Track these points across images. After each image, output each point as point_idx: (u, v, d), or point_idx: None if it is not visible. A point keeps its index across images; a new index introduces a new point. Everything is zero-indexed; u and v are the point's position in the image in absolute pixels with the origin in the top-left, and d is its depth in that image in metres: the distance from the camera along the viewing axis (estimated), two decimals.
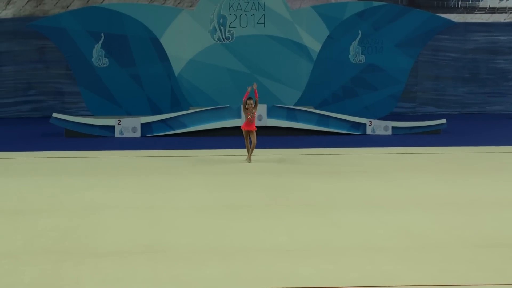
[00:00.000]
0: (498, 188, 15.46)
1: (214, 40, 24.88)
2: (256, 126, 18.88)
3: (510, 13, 29.73)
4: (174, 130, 23.30)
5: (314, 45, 25.11)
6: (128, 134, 23.21)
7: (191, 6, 28.05)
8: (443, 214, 13.22)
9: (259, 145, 19.58)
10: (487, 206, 13.81)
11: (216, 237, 11.72)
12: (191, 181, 16.25)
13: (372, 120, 23.80)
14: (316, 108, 24.47)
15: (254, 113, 18.63)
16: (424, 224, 12.50)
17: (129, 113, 24.61)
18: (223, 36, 24.89)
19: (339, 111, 24.25)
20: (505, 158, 19.48)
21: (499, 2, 29.83)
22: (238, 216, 13.12)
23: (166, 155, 19.86)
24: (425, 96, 29.32)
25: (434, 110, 29.23)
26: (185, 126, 23.36)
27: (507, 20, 29.76)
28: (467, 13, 29.79)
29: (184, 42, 24.76)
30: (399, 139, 22.72)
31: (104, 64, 24.64)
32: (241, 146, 19.39)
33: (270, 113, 23.36)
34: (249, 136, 18.65)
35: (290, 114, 23.55)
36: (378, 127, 23.70)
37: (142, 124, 23.28)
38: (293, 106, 24.36)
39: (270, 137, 22.52)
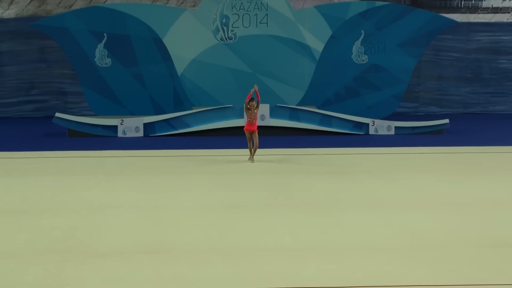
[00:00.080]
0: (501, 188, 15.45)
1: (217, 40, 24.87)
2: (258, 127, 18.90)
3: None
4: (177, 130, 23.30)
5: (317, 45, 25.10)
6: (131, 134, 23.21)
7: (194, 6, 28.05)
8: (446, 214, 13.21)
9: (262, 145, 19.59)
10: (490, 206, 13.80)
11: (219, 237, 11.72)
12: (194, 181, 16.25)
13: (375, 120, 23.78)
14: (319, 108, 24.46)
15: (256, 114, 18.66)
16: (427, 224, 12.49)
17: (132, 113, 24.61)
18: (226, 36, 24.89)
19: (341, 111, 24.24)
20: (508, 158, 19.47)
21: (502, 2, 29.81)
22: (241, 216, 13.12)
23: (169, 155, 19.86)
24: (428, 96, 29.30)
25: (437, 110, 29.21)
26: (188, 126, 23.35)
27: (510, 20, 29.74)
28: (470, 13, 29.77)
29: (187, 42, 24.76)
30: (402, 139, 22.71)
31: (107, 64, 24.64)
32: (244, 146, 19.39)
33: (273, 113, 23.36)
34: (251, 137, 18.67)
35: (293, 114, 23.55)
36: (381, 127, 23.69)
37: (145, 124, 23.27)
38: (296, 106, 24.35)
39: (273, 137, 22.52)
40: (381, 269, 10.04)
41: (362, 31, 25.08)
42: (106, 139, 22.64)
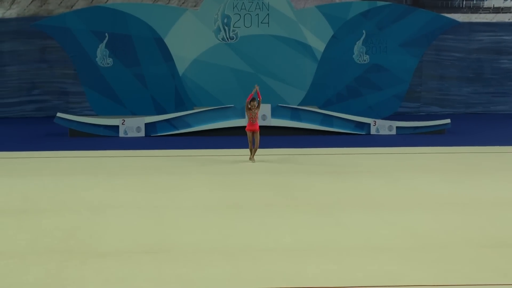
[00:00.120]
0: (503, 188, 15.44)
1: (218, 40, 24.88)
2: (260, 126, 18.91)
3: None
4: (178, 129, 23.31)
5: (319, 45, 25.11)
6: (132, 133, 23.22)
7: (195, 6, 28.06)
8: (447, 214, 13.20)
9: (264, 145, 19.59)
10: (491, 206, 13.79)
11: (219, 236, 11.72)
12: (195, 181, 16.25)
13: (377, 120, 23.79)
14: (320, 108, 24.47)
15: (256, 114, 18.67)
16: (428, 224, 12.48)
17: (133, 113, 24.63)
18: (227, 36, 24.90)
19: (343, 111, 24.25)
20: (510, 158, 19.46)
21: (503, 2, 29.80)
22: (242, 216, 13.12)
23: (170, 155, 19.86)
24: (430, 96, 29.30)
25: (438, 110, 29.21)
26: (189, 125, 23.37)
27: (511, 20, 29.73)
28: (472, 13, 29.77)
29: (188, 42, 24.78)
30: (403, 139, 22.71)
31: (108, 64, 24.66)
32: (245, 145, 19.39)
33: (274, 113, 23.36)
34: (253, 137, 18.66)
35: (294, 114, 23.55)
36: (382, 127, 23.69)
37: (146, 124, 23.29)
38: (297, 106, 24.36)
39: (274, 137, 22.52)
40: (381, 269, 10.03)
41: (364, 31, 25.08)
42: (107, 139, 22.65)
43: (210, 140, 22.20)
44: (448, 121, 24.07)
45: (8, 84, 28.21)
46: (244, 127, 19.09)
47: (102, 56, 24.63)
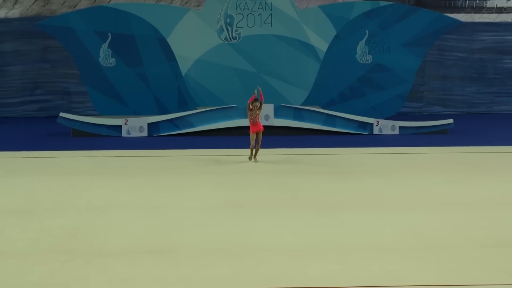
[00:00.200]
0: (506, 188, 15.43)
1: (221, 39, 24.87)
2: (264, 126, 18.90)
3: None
4: (181, 129, 23.31)
5: (321, 45, 25.09)
6: (135, 133, 23.23)
7: (198, 6, 28.06)
8: (451, 214, 13.19)
9: (266, 145, 19.58)
10: (495, 206, 13.78)
11: (223, 236, 11.72)
12: (198, 181, 16.26)
13: (379, 120, 23.77)
14: (323, 107, 24.45)
15: (258, 115, 18.64)
16: (431, 224, 12.48)
17: (136, 113, 24.62)
18: (230, 36, 24.89)
19: (346, 111, 24.23)
20: None
21: (506, 2, 29.77)
22: (245, 215, 13.12)
23: (173, 155, 19.87)
24: (432, 96, 29.27)
25: (441, 110, 29.18)
26: (192, 125, 23.36)
27: None
28: (474, 12, 29.74)
29: (191, 42, 24.77)
30: (406, 139, 22.70)
31: (111, 63, 24.66)
32: (248, 145, 19.38)
33: (277, 113, 23.35)
34: (256, 137, 18.61)
35: (297, 113, 23.54)
36: (385, 127, 23.68)
37: (149, 124, 23.29)
38: (300, 105, 24.34)
39: (277, 137, 22.51)
40: (385, 269, 10.03)
41: (367, 31, 25.06)
42: (110, 139, 22.65)
43: (213, 140, 22.20)
44: (451, 121, 24.05)
45: (11, 84, 28.22)
46: (247, 127, 19.06)
47: (105, 56, 24.62)
